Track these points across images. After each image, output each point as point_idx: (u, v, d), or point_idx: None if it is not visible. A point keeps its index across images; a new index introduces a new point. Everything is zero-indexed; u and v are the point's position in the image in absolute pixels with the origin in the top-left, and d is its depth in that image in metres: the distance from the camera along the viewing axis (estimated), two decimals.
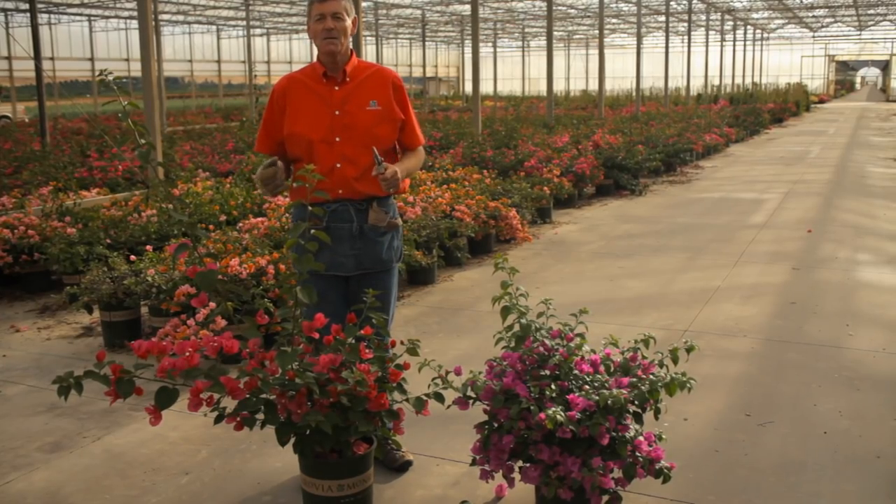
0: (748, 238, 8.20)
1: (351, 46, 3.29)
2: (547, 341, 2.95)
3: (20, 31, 26.24)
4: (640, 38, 24.09)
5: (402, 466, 3.35)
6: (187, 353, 2.53)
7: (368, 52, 35.72)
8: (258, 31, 36.37)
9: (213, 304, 3.43)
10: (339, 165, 3.17)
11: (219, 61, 37.35)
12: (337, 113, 3.20)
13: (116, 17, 30.74)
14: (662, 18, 33.87)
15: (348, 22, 3.20)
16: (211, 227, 6.56)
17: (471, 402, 2.89)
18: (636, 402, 2.80)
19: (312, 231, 2.77)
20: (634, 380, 2.85)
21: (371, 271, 3.29)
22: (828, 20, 41.17)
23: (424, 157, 3.54)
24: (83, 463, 3.52)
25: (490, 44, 45.07)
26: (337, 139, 3.18)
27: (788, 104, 32.69)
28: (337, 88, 3.23)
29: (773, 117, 27.51)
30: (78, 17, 30.61)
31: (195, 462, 3.51)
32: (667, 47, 26.15)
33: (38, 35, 12.69)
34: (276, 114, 3.27)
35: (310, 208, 2.96)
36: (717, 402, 4.04)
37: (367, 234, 3.24)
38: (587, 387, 2.83)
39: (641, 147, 12.97)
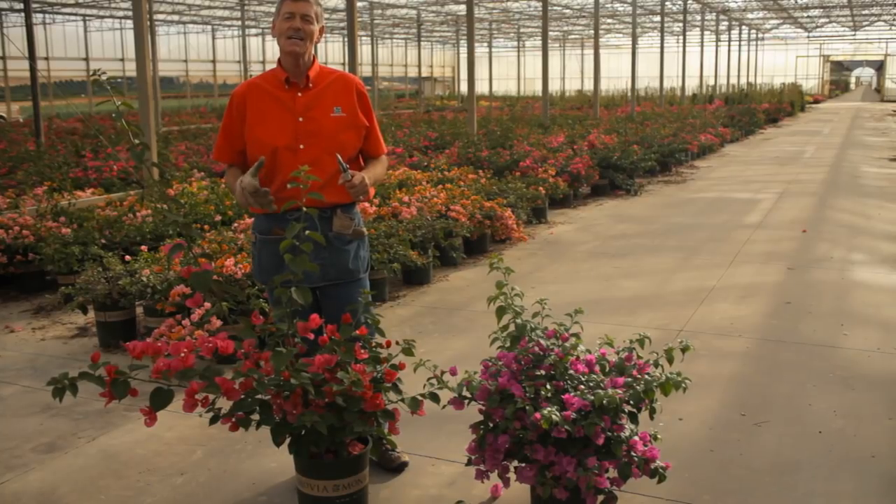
0: (743, 238, 8.22)
1: (314, 53, 3.22)
2: (542, 341, 2.96)
3: (15, 31, 26.20)
4: (636, 39, 24.13)
5: (399, 467, 3.35)
6: (182, 354, 2.53)
7: (364, 53, 35.71)
8: (253, 31, 36.28)
9: (208, 305, 3.43)
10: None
11: (214, 61, 37.29)
12: (301, 119, 3.12)
13: (111, 16, 30.67)
14: (658, 18, 33.94)
15: (316, 27, 3.13)
16: (206, 227, 6.56)
17: (466, 402, 2.89)
18: (631, 402, 2.81)
19: (307, 232, 2.77)
20: (630, 379, 2.86)
21: (338, 282, 3.21)
22: (822, 20, 41.25)
23: (387, 166, 3.46)
24: (78, 463, 3.52)
25: (485, 44, 45.11)
26: (301, 146, 3.10)
27: (783, 104, 32.77)
28: (300, 94, 3.15)
29: (768, 117, 27.56)
30: (73, 17, 30.54)
31: (190, 462, 3.50)
32: (662, 47, 26.20)
33: (32, 35, 12.67)
34: (235, 121, 3.17)
35: (304, 209, 2.96)
36: (713, 402, 4.04)
37: (333, 243, 3.16)
38: (582, 387, 2.84)
39: (637, 147, 12.99)
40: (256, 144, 3.11)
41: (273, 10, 26.21)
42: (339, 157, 3.03)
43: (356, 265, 3.24)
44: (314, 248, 2.97)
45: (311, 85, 3.17)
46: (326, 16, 32.28)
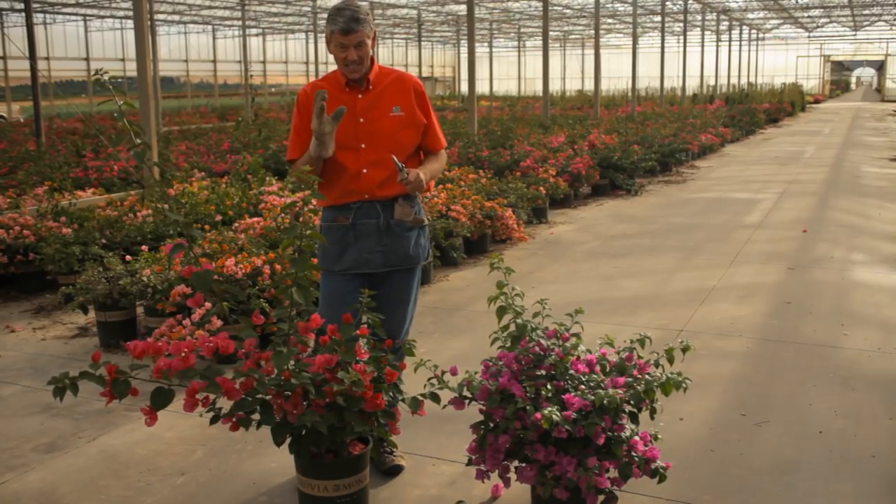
0: (743, 238, 8.22)
1: (372, 54, 3.30)
2: (543, 341, 2.96)
3: (15, 31, 26.20)
4: (636, 39, 24.12)
5: (391, 470, 3.34)
6: (183, 354, 2.53)
7: None
8: (254, 30, 36.29)
9: (208, 305, 3.43)
10: (365, 171, 3.22)
11: (214, 61, 37.28)
12: (361, 120, 3.23)
13: (112, 16, 30.67)
14: (658, 18, 33.93)
15: (369, 45, 3.21)
16: (206, 227, 6.55)
17: (466, 402, 2.89)
18: (632, 402, 2.81)
19: (308, 231, 2.77)
20: (630, 379, 2.86)
21: (397, 269, 3.31)
22: (823, 20, 41.23)
23: (445, 160, 3.58)
24: (78, 463, 3.52)
25: (486, 44, 45.07)
26: (362, 146, 3.22)
27: (784, 104, 32.73)
28: (360, 96, 3.26)
29: (768, 117, 27.55)
30: (73, 17, 30.54)
31: (191, 462, 3.50)
32: (662, 47, 26.19)
33: (33, 34, 12.66)
34: (304, 120, 3.27)
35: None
36: (713, 402, 4.04)
37: (394, 230, 3.27)
38: (583, 387, 2.84)
39: (637, 147, 12.98)
40: None
41: (274, 10, 25.86)
42: (394, 157, 3.14)
43: (416, 252, 3.35)
44: (374, 234, 3.23)
45: (371, 87, 3.28)
46: (326, 16, 32.19)
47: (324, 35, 3.32)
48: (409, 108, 3.30)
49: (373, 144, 3.22)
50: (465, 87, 36.30)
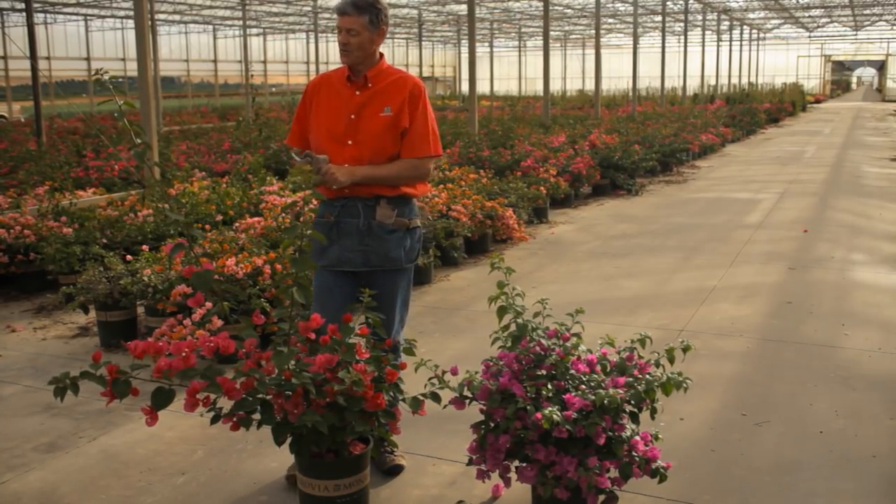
0: (744, 238, 8.21)
1: (380, 52, 3.34)
2: (543, 341, 2.96)
3: (16, 31, 26.19)
4: (637, 38, 24.11)
5: (391, 469, 3.35)
6: (183, 354, 2.53)
7: None
8: (254, 30, 36.28)
9: (209, 304, 3.44)
10: (347, 166, 3.23)
11: (215, 61, 37.27)
12: (352, 117, 3.27)
13: (112, 16, 30.67)
14: (659, 18, 33.91)
15: (364, 36, 3.22)
16: (207, 226, 6.55)
17: (467, 401, 2.89)
18: (632, 402, 2.81)
19: (308, 231, 2.77)
20: (631, 379, 2.86)
21: (380, 269, 3.30)
22: (824, 20, 41.21)
23: (417, 170, 3.33)
24: (79, 463, 3.52)
25: (486, 44, 45.07)
26: (349, 142, 3.26)
27: (784, 104, 32.70)
28: (358, 93, 3.29)
29: (769, 117, 27.53)
30: (74, 17, 30.54)
31: (191, 462, 3.50)
32: (663, 47, 26.17)
33: (33, 34, 12.68)
34: (306, 110, 3.39)
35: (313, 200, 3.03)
36: (713, 402, 4.04)
37: (375, 231, 3.27)
38: (583, 386, 2.84)
39: (638, 147, 12.98)
40: (314, 133, 3.34)
41: (274, 9, 25.95)
42: (307, 153, 3.20)
43: (398, 254, 3.31)
44: (356, 233, 3.24)
45: (369, 84, 3.30)
46: (327, 16, 32.24)
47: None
48: (399, 109, 3.27)
49: (357, 142, 3.26)
50: (465, 87, 36.30)
